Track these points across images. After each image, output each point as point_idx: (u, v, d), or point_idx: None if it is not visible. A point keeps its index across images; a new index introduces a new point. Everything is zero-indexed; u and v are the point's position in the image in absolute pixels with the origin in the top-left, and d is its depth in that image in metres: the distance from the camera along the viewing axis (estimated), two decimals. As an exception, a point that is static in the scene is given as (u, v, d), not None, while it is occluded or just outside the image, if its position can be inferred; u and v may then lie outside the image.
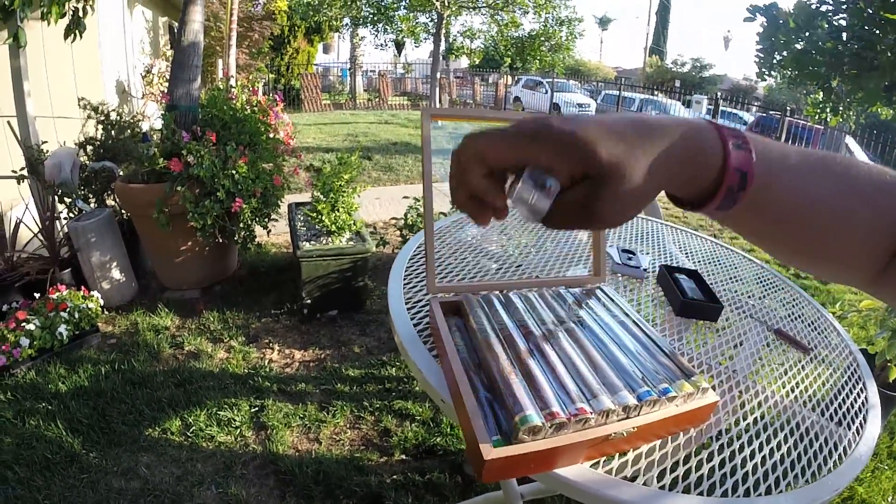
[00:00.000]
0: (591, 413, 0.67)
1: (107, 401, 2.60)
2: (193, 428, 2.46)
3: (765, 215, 0.50)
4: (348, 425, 2.57)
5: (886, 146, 10.11)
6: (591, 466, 0.76)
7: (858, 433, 1.04)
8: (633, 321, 0.92)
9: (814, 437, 1.00)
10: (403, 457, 2.39)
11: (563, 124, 0.42)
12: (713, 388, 1.03)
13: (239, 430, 2.48)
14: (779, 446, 0.94)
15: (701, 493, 0.79)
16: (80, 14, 3.73)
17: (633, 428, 0.71)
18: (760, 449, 0.92)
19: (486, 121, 1.09)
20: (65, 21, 3.65)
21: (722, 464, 0.86)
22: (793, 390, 1.15)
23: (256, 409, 2.63)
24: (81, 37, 3.79)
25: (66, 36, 3.72)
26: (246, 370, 2.93)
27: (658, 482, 0.78)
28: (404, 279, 1.25)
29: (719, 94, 13.53)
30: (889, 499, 2.51)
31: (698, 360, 1.17)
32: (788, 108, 11.53)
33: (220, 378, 2.84)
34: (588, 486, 0.71)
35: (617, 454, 0.79)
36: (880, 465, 2.69)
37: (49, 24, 3.45)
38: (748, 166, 0.46)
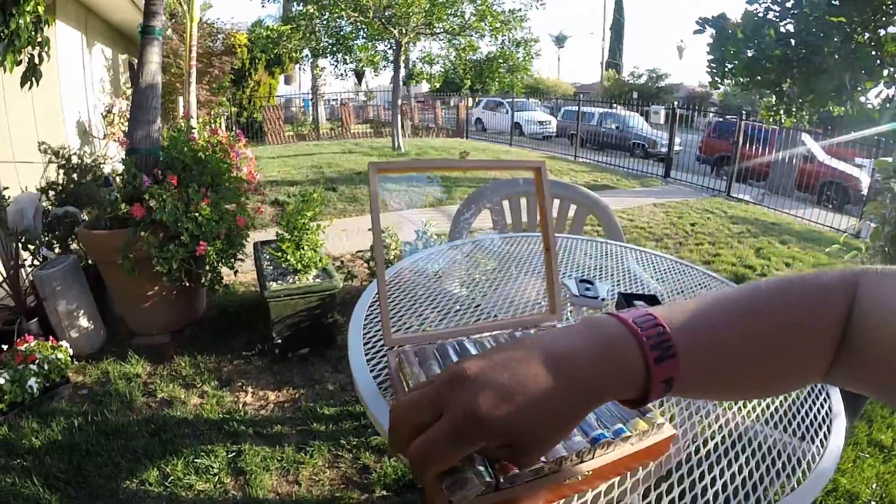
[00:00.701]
0: (544, 461, 0.71)
1: (82, 454, 2.57)
2: (171, 477, 2.44)
3: (702, 387, 0.53)
4: (327, 465, 2.57)
5: (841, 141, 10.41)
6: None
7: (823, 445, 1.02)
8: None
9: (776, 455, 0.98)
10: (384, 492, 2.40)
11: (502, 423, 0.45)
12: (671, 418, 1.04)
13: (217, 477, 2.46)
14: (740, 469, 0.92)
15: None
16: (36, 61, 3.71)
17: (588, 472, 0.73)
18: (721, 474, 0.91)
19: (432, 170, 1.12)
20: (21, 68, 3.63)
21: (682, 494, 0.86)
22: (753, 409, 1.13)
23: (234, 454, 2.62)
24: (38, 84, 3.77)
25: (22, 84, 3.70)
26: (221, 415, 2.92)
27: None
28: (364, 328, 1.26)
29: (676, 103, 13.82)
30: (873, 486, 2.53)
31: None
32: (744, 112, 11.82)
33: (194, 425, 2.83)
34: None
35: (576, 495, 0.81)
36: (861, 455, 2.74)
37: (5, 72, 3.44)
38: (674, 372, 0.48)
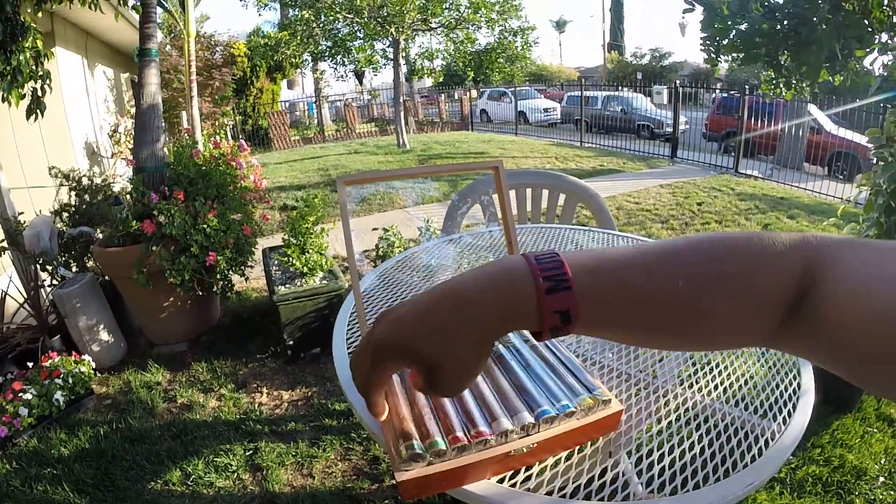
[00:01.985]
0: (490, 434, 0.79)
1: (108, 460, 2.71)
2: (193, 477, 2.57)
3: (609, 327, 0.53)
4: (339, 458, 2.69)
5: (848, 109, 10.27)
6: (497, 481, 0.84)
7: (785, 423, 1.01)
8: (545, 344, 1.04)
9: (733, 432, 0.98)
10: (393, 482, 2.47)
11: (395, 341, 0.54)
12: (628, 397, 1.10)
13: (236, 474, 2.59)
14: (692, 446, 0.94)
15: (602, 499, 0.84)
16: (39, 94, 3.82)
17: (533, 444, 0.81)
18: (671, 451, 0.93)
19: (396, 178, 1.22)
20: (26, 101, 3.74)
21: (627, 469, 0.90)
22: (716, 388, 1.14)
23: (251, 451, 2.74)
24: (43, 116, 3.87)
25: (27, 116, 3.80)
26: (238, 416, 3.05)
27: (561, 491, 0.84)
28: (348, 325, 1.37)
29: (678, 82, 13.75)
30: (881, 461, 2.50)
31: (621, 370, 1.19)
32: (748, 87, 11.73)
33: (213, 426, 2.96)
34: (492, 499, 0.80)
35: (524, 468, 0.87)
36: (869, 430, 2.69)
37: (10, 106, 3.56)
38: (568, 303, 0.50)
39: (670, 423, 1.02)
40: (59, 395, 3.01)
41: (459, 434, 0.79)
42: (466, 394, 0.88)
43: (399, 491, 0.74)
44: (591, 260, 0.52)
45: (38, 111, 3.81)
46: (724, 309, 0.50)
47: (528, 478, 0.87)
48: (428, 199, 7.96)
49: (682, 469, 0.89)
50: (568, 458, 0.90)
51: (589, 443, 0.93)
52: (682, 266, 0.51)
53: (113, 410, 3.15)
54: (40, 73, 3.71)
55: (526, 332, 1.06)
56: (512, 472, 0.87)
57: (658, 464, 0.91)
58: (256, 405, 3.15)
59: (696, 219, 6.75)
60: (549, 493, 0.84)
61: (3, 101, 3.50)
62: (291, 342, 3.52)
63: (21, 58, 3.43)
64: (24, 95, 3.63)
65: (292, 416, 3.04)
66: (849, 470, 2.44)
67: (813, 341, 0.49)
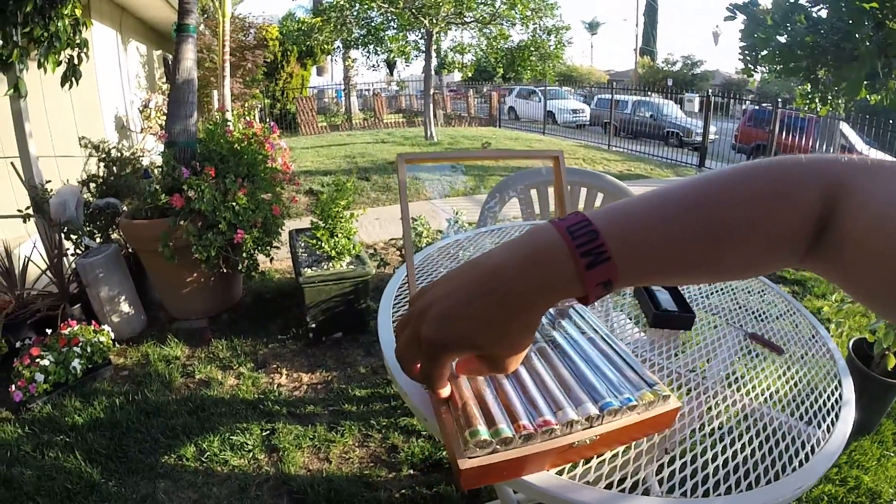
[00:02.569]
0: (556, 424, 0.75)
1: (123, 431, 2.70)
2: (208, 453, 2.55)
3: (647, 280, 0.55)
4: (357, 444, 2.65)
5: (881, 130, 10.15)
6: (556, 473, 0.81)
7: (829, 431, 1.02)
8: (602, 337, 0.99)
9: (780, 437, 0.99)
10: (411, 471, 2.47)
11: (448, 339, 0.56)
12: (680, 396, 1.07)
13: (252, 454, 2.56)
14: (742, 448, 0.94)
15: (658, 495, 0.84)
16: (76, 62, 3.83)
17: (596, 436, 0.77)
18: (724, 452, 0.93)
19: (457, 160, 1.17)
20: (61, 68, 3.75)
21: (683, 467, 0.88)
22: (763, 392, 1.14)
23: (268, 432, 2.72)
24: (78, 84, 3.88)
25: (62, 84, 3.81)
26: (256, 395, 3.02)
27: (619, 486, 0.83)
28: (393, 307, 1.33)
29: (710, 91, 13.61)
30: None
31: (670, 368, 1.18)
32: (780, 100, 11.61)
33: (231, 404, 2.93)
34: (552, 490, 0.78)
35: (582, 461, 0.85)
36: (886, 453, 2.65)
37: (46, 72, 3.55)
38: (609, 275, 0.50)
39: (721, 423, 1.02)
40: (76, 363, 3.00)
41: (525, 422, 0.75)
42: (528, 381, 0.85)
43: (459, 479, 0.70)
44: (614, 221, 0.52)
45: (73, 79, 3.82)
46: (747, 255, 0.52)
47: (586, 471, 0.85)
48: (454, 191, 7.93)
49: (734, 469, 0.89)
50: (625, 453, 0.89)
51: (644, 439, 0.91)
52: (701, 221, 0.51)
53: (130, 382, 3.14)
54: (77, 41, 3.71)
55: (582, 325, 1.04)
56: (569, 464, 0.84)
57: (712, 463, 0.90)
58: (275, 386, 3.12)
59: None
60: (609, 487, 0.83)
61: (39, 66, 3.50)
62: (314, 325, 3.49)
63: (59, 24, 3.43)
64: (60, 62, 3.63)
65: (311, 399, 3.00)
66: (864, 492, 2.41)
67: (833, 265, 0.51)
